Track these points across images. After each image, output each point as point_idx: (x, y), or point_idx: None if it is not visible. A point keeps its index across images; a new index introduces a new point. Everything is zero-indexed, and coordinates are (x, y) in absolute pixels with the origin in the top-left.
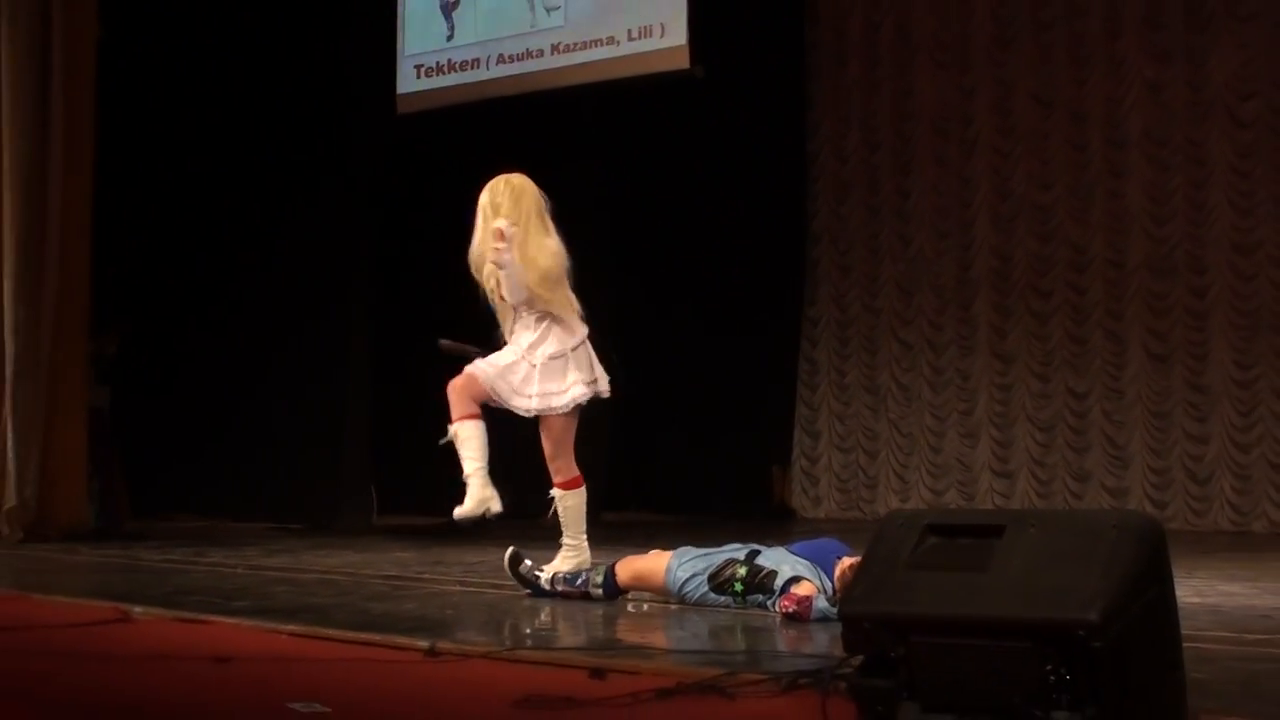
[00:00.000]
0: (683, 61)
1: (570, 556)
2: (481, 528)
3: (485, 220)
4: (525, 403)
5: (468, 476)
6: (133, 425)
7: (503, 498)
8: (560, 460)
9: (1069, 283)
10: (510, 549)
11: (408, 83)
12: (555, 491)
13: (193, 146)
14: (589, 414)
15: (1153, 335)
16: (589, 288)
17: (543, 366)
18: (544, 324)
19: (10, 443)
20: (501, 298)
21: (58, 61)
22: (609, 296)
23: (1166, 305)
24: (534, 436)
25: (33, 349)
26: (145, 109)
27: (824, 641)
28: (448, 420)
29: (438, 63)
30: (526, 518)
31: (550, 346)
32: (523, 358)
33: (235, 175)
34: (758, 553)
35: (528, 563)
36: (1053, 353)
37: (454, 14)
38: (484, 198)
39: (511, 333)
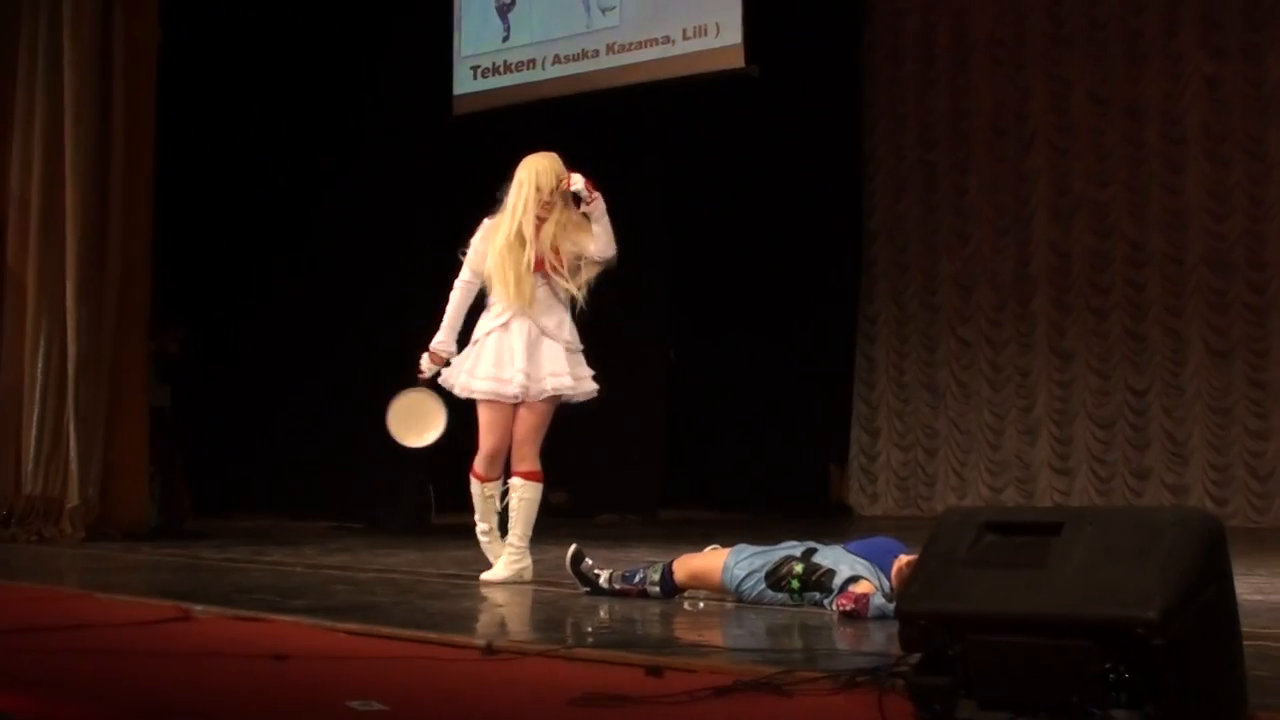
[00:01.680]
0: (738, 61)
1: (514, 561)
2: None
3: (536, 188)
4: (556, 382)
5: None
6: (193, 424)
7: (564, 496)
8: (531, 447)
9: (1127, 279)
10: (573, 546)
11: (464, 84)
12: (516, 480)
13: (251, 147)
14: (648, 412)
15: (1212, 331)
16: (647, 287)
17: (572, 350)
18: (568, 308)
19: (73, 442)
20: (550, 268)
21: (119, 64)
22: (666, 294)
23: (1226, 301)
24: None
25: (95, 348)
26: (205, 110)
27: (881, 639)
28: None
29: (493, 64)
30: (585, 515)
31: (574, 333)
32: (550, 337)
33: (293, 176)
34: (815, 551)
35: (589, 561)
36: (1112, 349)
37: (510, 15)
38: (539, 168)
39: (516, 308)
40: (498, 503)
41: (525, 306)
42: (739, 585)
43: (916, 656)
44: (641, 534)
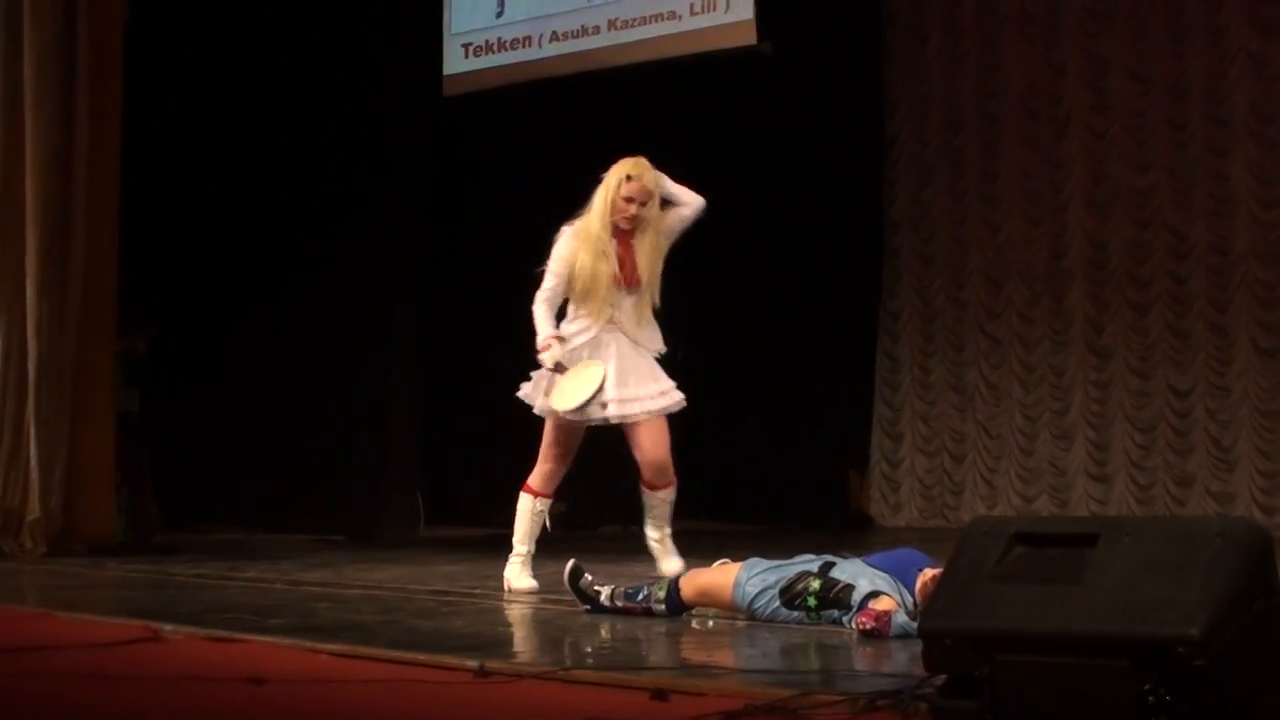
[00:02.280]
0: (749, 37)
1: (674, 555)
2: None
3: (611, 191)
4: (657, 403)
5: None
6: (164, 430)
7: (562, 505)
8: (669, 462)
9: (1169, 272)
10: (571, 562)
11: (455, 63)
12: (664, 494)
13: (227, 133)
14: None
15: (1261, 328)
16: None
17: (659, 361)
18: (657, 316)
19: (33, 449)
20: (630, 281)
21: (83, 44)
22: (672, 291)
23: (1276, 295)
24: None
25: (57, 348)
26: (176, 93)
27: (904, 660)
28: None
29: (486, 41)
30: (586, 528)
31: (661, 340)
32: (642, 349)
33: (272, 163)
34: (833, 565)
35: (588, 577)
36: (1152, 347)
37: None
38: (635, 175)
39: (601, 319)
40: (546, 522)
41: (613, 320)
42: (751, 603)
43: (942, 678)
44: (646, 548)
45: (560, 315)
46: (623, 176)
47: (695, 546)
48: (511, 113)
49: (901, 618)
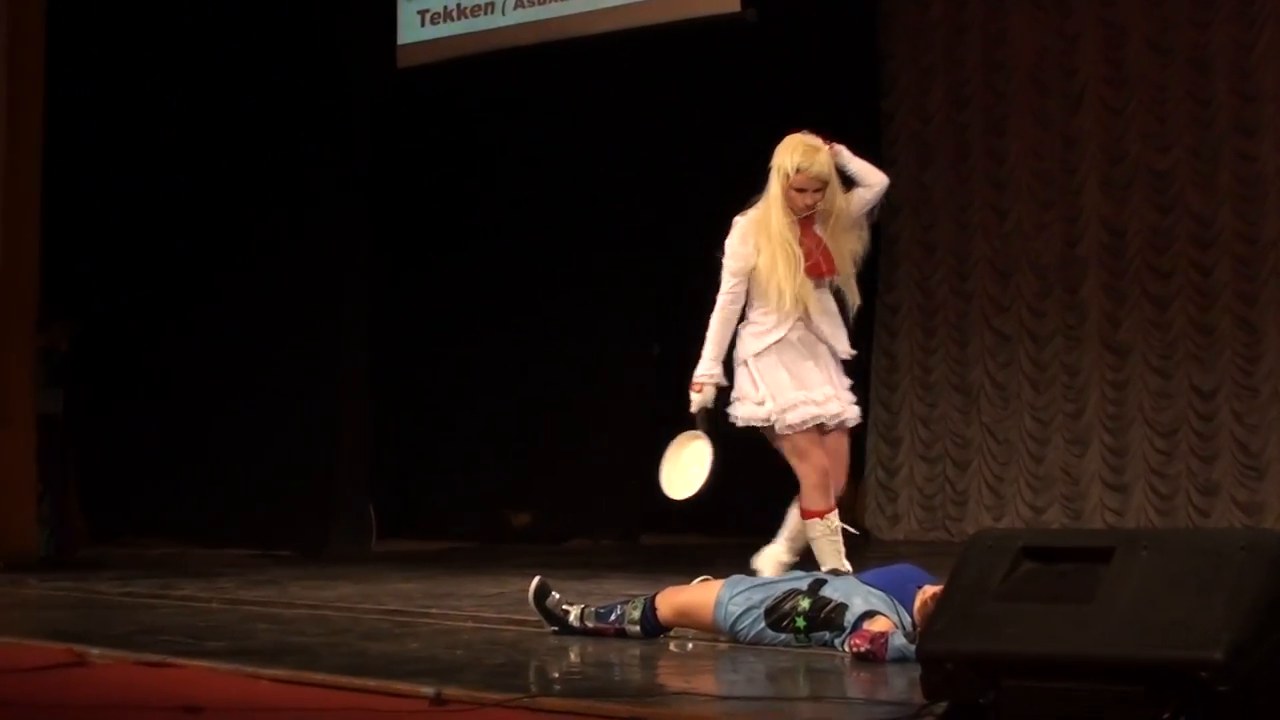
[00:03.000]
0: (732, 4)
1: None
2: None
3: (782, 181)
4: (855, 409)
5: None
6: (90, 435)
7: (528, 518)
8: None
9: (1192, 261)
10: (536, 579)
11: (411, 31)
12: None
13: (160, 114)
14: (627, 421)
15: None
16: (627, 274)
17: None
18: (847, 313)
19: None
20: (821, 270)
21: (2, 23)
22: (649, 281)
23: None
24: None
25: None
26: (104, 72)
27: (901, 686)
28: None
29: (445, 7)
30: (552, 541)
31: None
32: (834, 351)
33: (210, 148)
34: (824, 582)
35: (555, 595)
36: (1174, 344)
37: None
38: (804, 166)
39: (790, 317)
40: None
41: (803, 317)
42: (734, 624)
43: (943, 706)
44: (618, 563)
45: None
46: (792, 167)
47: (671, 561)
48: (473, 86)
49: (899, 640)
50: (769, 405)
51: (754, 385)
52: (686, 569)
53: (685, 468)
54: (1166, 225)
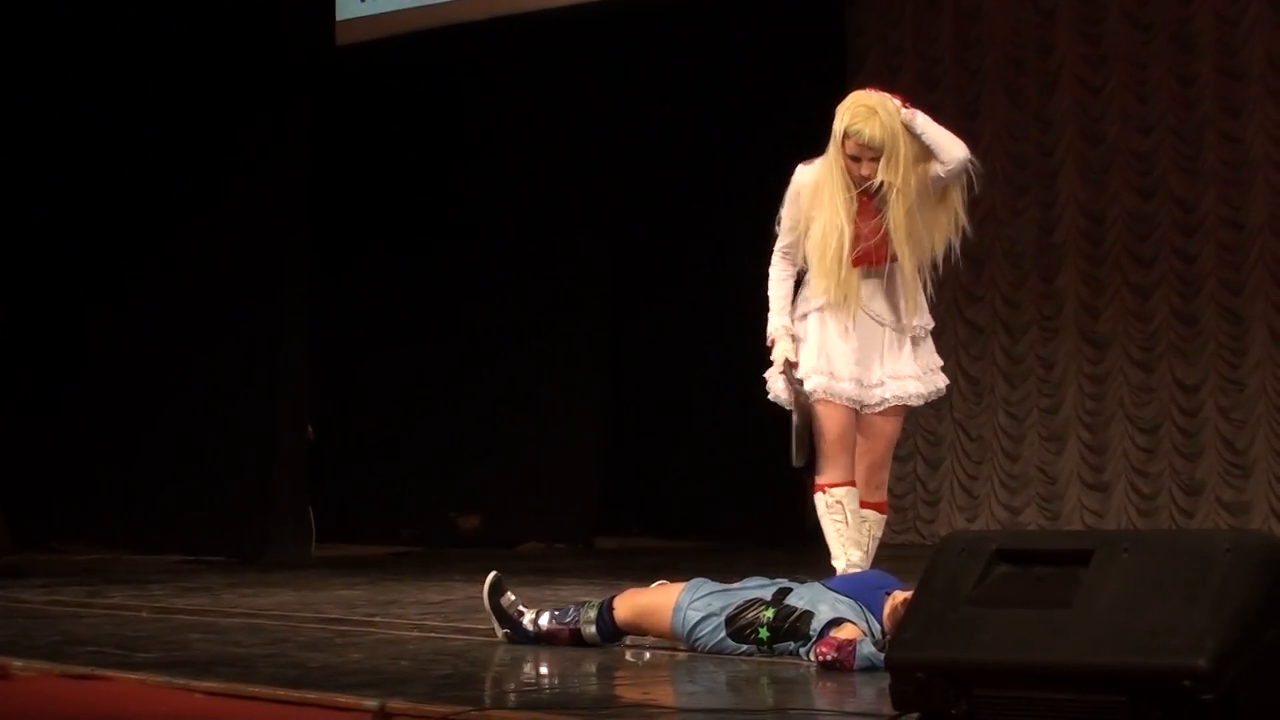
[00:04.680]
0: None
1: None
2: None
3: (835, 145)
4: (898, 388)
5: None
6: (11, 435)
7: (477, 520)
8: (886, 471)
9: (1175, 248)
10: (492, 575)
11: (349, 6)
12: (869, 514)
13: (81, 94)
14: (581, 414)
15: (1279, 313)
16: (580, 264)
17: (920, 339)
18: (919, 285)
19: None
20: (870, 259)
21: None
22: (604, 273)
23: None
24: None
25: None
26: (22, 47)
27: (870, 696)
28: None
29: None
30: (502, 545)
31: (924, 313)
32: (889, 327)
33: (135, 131)
34: (788, 590)
35: (510, 595)
36: (1156, 335)
37: None
38: (853, 131)
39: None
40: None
41: (846, 304)
42: (692, 630)
43: (914, 716)
44: (573, 567)
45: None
46: (841, 131)
47: (630, 567)
48: (416, 64)
49: (867, 648)
50: (810, 372)
51: (806, 348)
52: (643, 573)
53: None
54: (1148, 211)
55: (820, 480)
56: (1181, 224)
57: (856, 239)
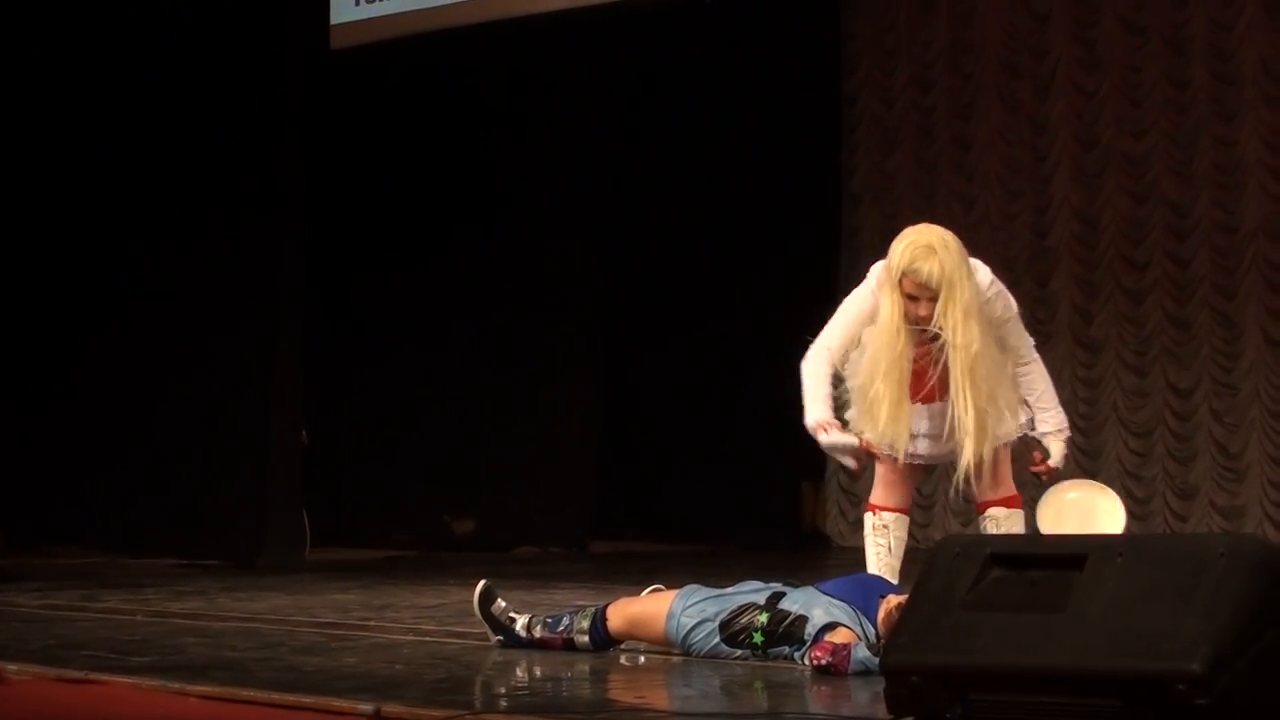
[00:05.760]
0: None
1: None
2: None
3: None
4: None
5: None
6: (5, 438)
7: (471, 524)
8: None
9: (1169, 252)
10: (482, 584)
11: (344, 10)
12: (996, 511)
13: (73, 100)
14: (575, 418)
15: (1272, 317)
16: (573, 269)
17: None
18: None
19: None
20: (928, 397)
21: None
22: (597, 277)
23: None
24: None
25: None
26: (13, 54)
27: (865, 700)
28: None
29: None
30: (497, 549)
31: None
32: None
33: (128, 137)
34: (782, 595)
35: (501, 603)
36: (1149, 340)
37: None
38: (910, 270)
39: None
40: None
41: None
42: (686, 636)
43: None
44: (567, 571)
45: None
46: (897, 269)
47: (622, 570)
48: (413, 69)
49: (862, 652)
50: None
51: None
52: (638, 577)
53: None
54: (1141, 215)
55: (873, 500)
56: (1175, 228)
57: (919, 376)
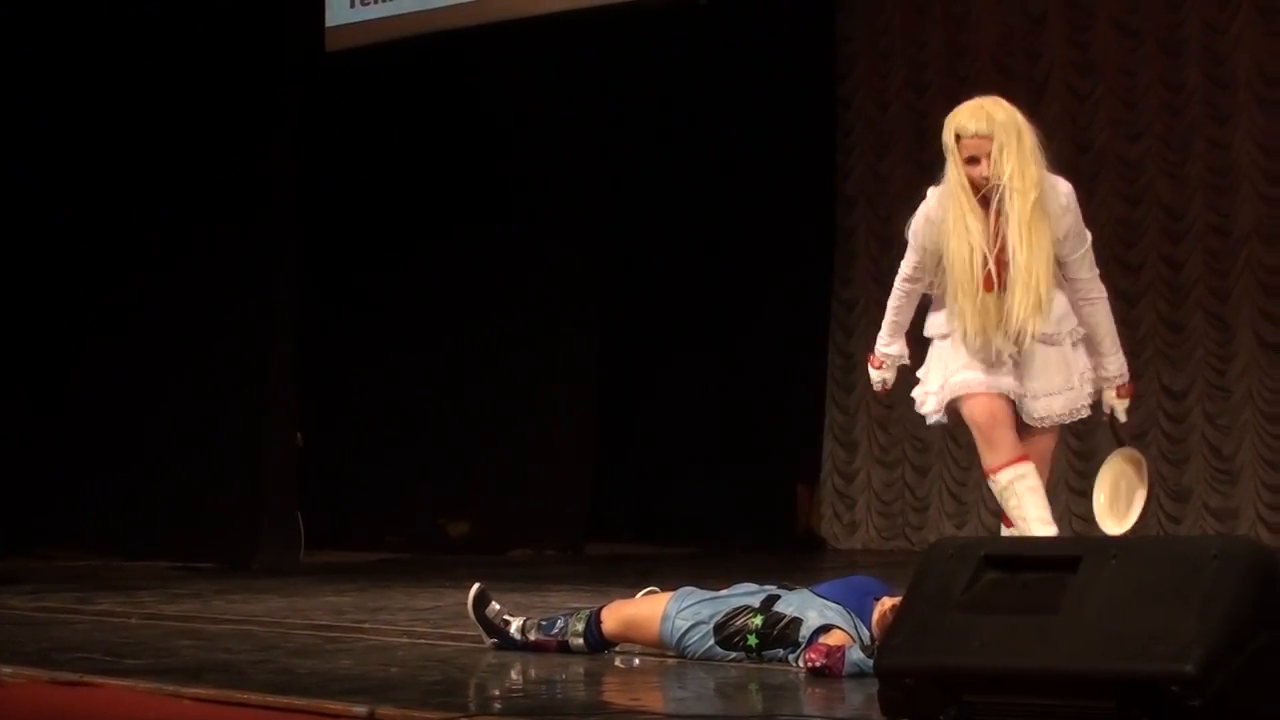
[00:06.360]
0: None
1: None
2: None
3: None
4: (1047, 406)
5: None
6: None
7: (466, 526)
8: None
9: (1163, 255)
10: (475, 587)
11: (339, 12)
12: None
13: (66, 101)
14: (571, 420)
15: (1266, 320)
16: (569, 270)
17: (1072, 345)
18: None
19: None
20: (991, 283)
21: None
22: (592, 278)
23: None
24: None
25: None
26: (7, 52)
27: (859, 702)
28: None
29: None
30: (492, 551)
31: (1071, 319)
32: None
33: (123, 138)
34: (777, 597)
35: (495, 606)
36: (1143, 342)
37: None
38: (962, 130)
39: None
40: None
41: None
42: (681, 639)
43: None
44: (562, 574)
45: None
46: (952, 135)
47: (617, 572)
48: (409, 71)
49: (856, 654)
50: (925, 396)
51: (926, 368)
52: (633, 580)
53: (1124, 494)
54: (1135, 217)
55: (988, 464)
56: (1169, 231)
57: (984, 260)
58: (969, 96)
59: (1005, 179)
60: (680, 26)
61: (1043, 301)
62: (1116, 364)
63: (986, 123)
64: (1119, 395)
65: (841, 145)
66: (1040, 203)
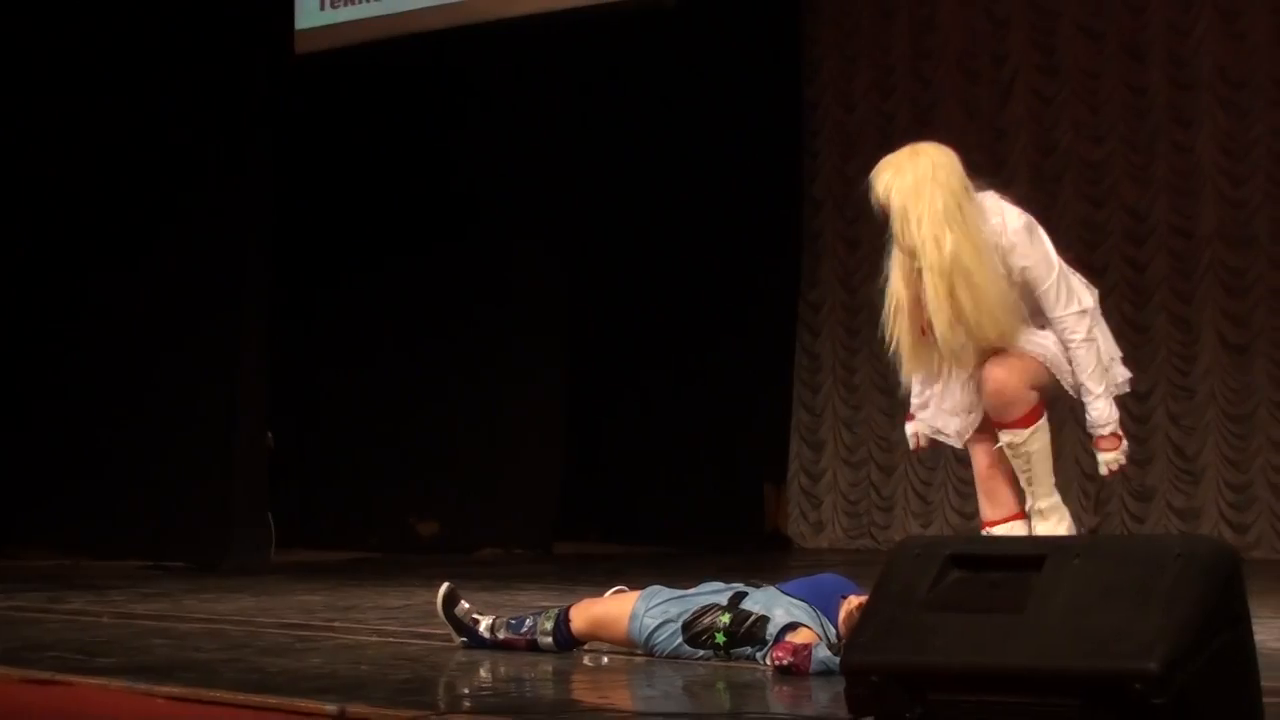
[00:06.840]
0: None
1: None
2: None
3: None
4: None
5: None
6: None
7: (436, 526)
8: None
9: (1126, 257)
10: (445, 585)
11: (309, 15)
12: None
13: (38, 109)
14: (540, 420)
15: (1229, 320)
16: (536, 271)
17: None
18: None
19: None
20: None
21: None
22: (560, 280)
23: (1245, 284)
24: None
25: None
26: None
27: (825, 700)
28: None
29: None
30: (461, 551)
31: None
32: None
33: (89, 140)
34: (744, 595)
35: (465, 604)
36: None
37: None
38: (881, 177)
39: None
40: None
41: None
42: (649, 637)
43: None
44: (531, 572)
45: None
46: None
47: (588, 571)
48: (379, 74)
49: (823, 652)
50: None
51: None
52: (601, 579)
53: None
54: (1099, 219)
55: (983, 518)
56: (1132, 233)
57: (914, 306)
58: (934, 100)
59: (918, 250)
60: (647, 29)
61: (952, 320)
62: (1096, 411)
63: (884, 192)
64: (1098, 447)
65: (808, 147)
66: (957, 264)
